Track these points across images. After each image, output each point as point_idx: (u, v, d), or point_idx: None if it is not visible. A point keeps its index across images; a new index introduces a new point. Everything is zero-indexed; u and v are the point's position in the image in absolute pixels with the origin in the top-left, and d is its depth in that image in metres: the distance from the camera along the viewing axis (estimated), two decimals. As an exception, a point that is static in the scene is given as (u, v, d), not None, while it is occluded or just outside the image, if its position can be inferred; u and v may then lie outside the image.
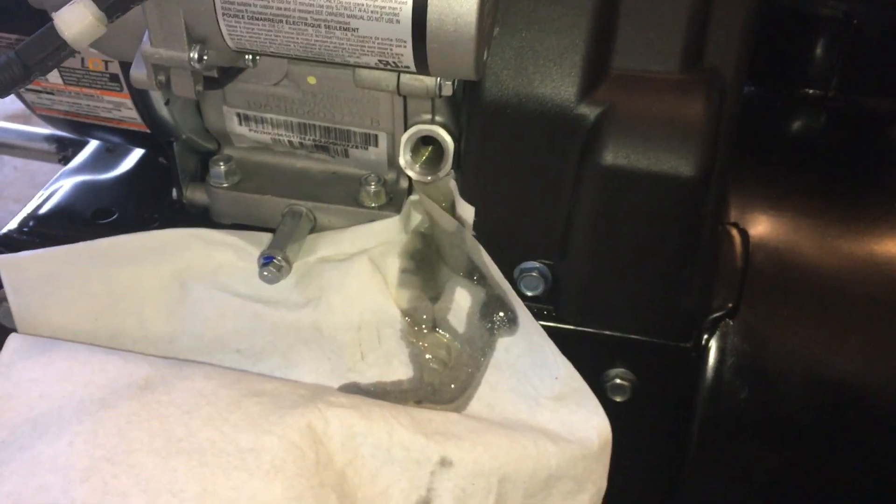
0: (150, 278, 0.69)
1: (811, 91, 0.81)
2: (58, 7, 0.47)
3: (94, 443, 0.57)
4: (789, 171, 0.76)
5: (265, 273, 0.66)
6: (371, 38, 0.52)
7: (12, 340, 0.64)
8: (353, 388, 0.68)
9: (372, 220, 0.71)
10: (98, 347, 0.64)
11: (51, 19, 0.57)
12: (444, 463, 0.61)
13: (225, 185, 0.73)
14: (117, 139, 0.78)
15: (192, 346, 0.69)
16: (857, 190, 0.74)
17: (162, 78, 0.56)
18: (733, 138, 0.63)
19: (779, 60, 0.82)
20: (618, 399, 0.69)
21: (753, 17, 0.62)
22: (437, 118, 0.68)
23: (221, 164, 0.72)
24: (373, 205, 0.72)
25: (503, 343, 0.68)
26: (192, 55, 0.54)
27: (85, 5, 0.44)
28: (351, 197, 0.72)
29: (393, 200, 0.72)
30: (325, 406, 0.61)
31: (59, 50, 0.44)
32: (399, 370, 0.69)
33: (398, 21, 0.51)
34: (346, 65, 0.56)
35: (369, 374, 0.68)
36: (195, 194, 0.75)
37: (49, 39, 0.44)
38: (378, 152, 0.71)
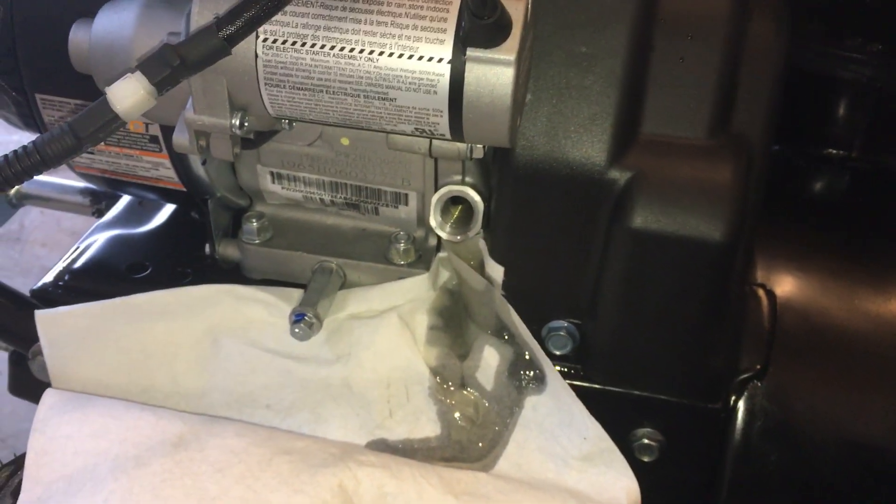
0: (182, 334, 0.70)
1: (835, 151, 0.82)
2: (106, 79, 0.49)
3: (129, 501, 0.57)
4: (815, 232, 0.76)
5: (297, 330, 0.67)
6: (408, 107, 0.54)
7: (48, 396, 0.65)
8: (381, 445, 0.68)
9: (401, 278, 0.72)
10: (132, 403, 0.65)
11: (95, 82, 0.59)
12: (474, 524, 0.61)
13: (257, 241, 0.74)
14: (152, 196, 0.79)
15: (222, 400, 0.70)
16: (883, 251, 0.74)
17: (203, 143, 0.57)
18: (760, 202, 0.64)
19: (802, 121, 0.83)
20: (645, 459, 0.69)
21: (780, 83, 0.64)
22: (468, 179, 0.69)
23: (254, 220, 0.73)
24: (402, 262, 0.73)
25: (531, 402, 0.68)
26: (233, 122, 0.56)
27: (137, 80, 0.46)
28: (380, 254, 0.73)
29: (422, 258, 0.73)
30: (355, 465, 0.61)
31: (110, 123, 0.46)
32: (427, 427, 0.69)
33: (435, 92, 0.53)
34: (382, 131, 0.57)
35: (398, 431, 0.69)
36: (227, 250, 0.76)
37: (101, 113, 0.46)
38: (408, 210, 0.72)
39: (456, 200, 0.69)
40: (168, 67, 0.46)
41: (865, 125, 0.80)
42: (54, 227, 1.65)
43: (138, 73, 0.46)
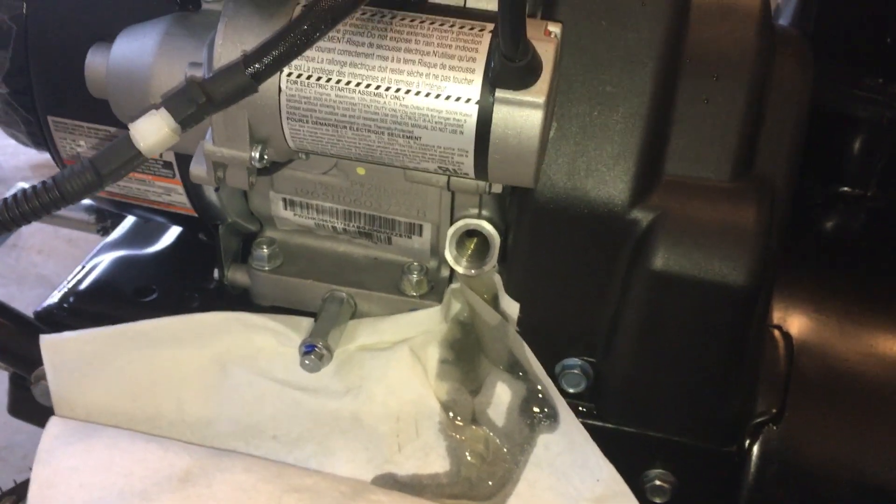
0: (189, 361, 0.69)
1: (850, 190, 0.82)
2: (122, 105, 0.48)
3: (135, 539, 0.56)
4: (831, 272, 0.76)
5: (306, 362, 0.66)
6: (433, 146, 0.53)
7: (52, 426, 0.63)
8: (389, 480, 0.67)
9: (413, 309, 0.71)
10: (139, 434, 0.64)
11: (110, 107, 0.58)
12: (485, 566, 0.60)
13: (267, 268, 0.73)
14: (160, 219, 0.78)
15: (229, 430, 0.69)
16: (899, 292, 0.74)
17: (220, 174, 0.56)
18: (782, 245, 0.63)
19: (817, 159, 0.82)
20: (657, 501, 0.68)
21: (803, 125, 0.63)
22: (484, 212, 0.68)
23: (264, 247, 0.72)
24: (414, 293, 0.72)
25: (543, 440, 0.67)
26: (253, 154, 0.55)
27: (161, 117, 0.45)
28: (392, 284, 0.72)
29: (434, 289, 0.72)
30: (366, 504, 0.60)
31: (132, 160, 0.45)
32: (436, 463, 0.68)
33: (462, 132, 0.52)
34: (405, 168, 0.56)
35: (406, 466, 0.68)
36: (236, 276, 0.75)
37: (124, 150, 0.45)
38: (422, 241, 0.71)
39: (471, 233, 0.68)
40: (194, 105, 0.45)
41: (882, 164, 0.80)
42: (51, 235, 1.63)
43: (163, 111, 0.45)
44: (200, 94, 0.45)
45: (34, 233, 1.74)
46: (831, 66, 0.76)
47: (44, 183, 0.45)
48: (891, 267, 0.78)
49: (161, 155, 0.67)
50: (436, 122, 0.52)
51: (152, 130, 0.44)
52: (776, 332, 0.70)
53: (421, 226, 0.70)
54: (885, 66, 0.78)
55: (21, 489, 0.65)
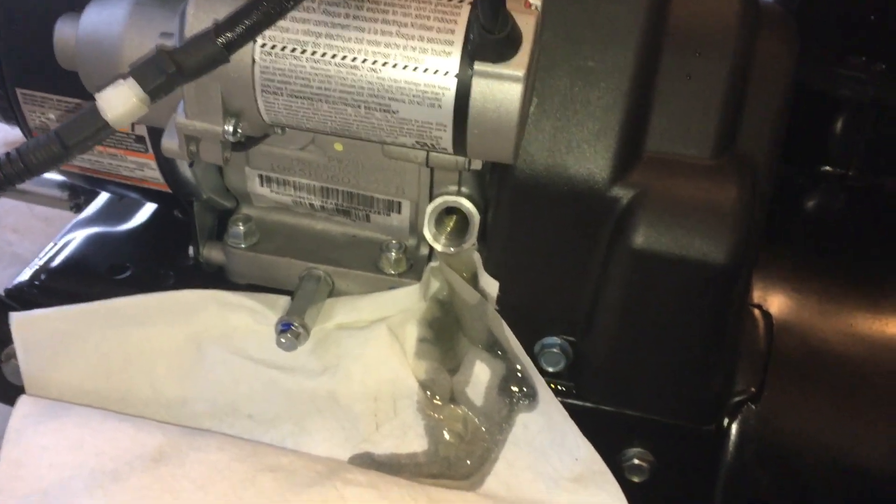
0: (163, 339, 0.68)
1: (831, 169, 0.81)
2: (92, 76, 0.46)
3: (106, 518, 0.55)
4: (811, 252, 0.75)
5: (282, 340, 0.65)
6: (411, 120, 0.52)
7: (22, 404, 0.62)
8: (366, 459, 0.67)
9: (391, 287, 0.70)
10: (111, 413, 0.63)
11: (80, 79, 0.57)
12: (462, 546, 0.60)
13: (243, 245, 0.71)
14: (134, 195, 0.76)
15: (204, 409, 0.68)
16: (880, 271, 0.74)
17: (193, 148, 0.55)
18: (763, 224, 0.63)
19: (799, 138, 0.82)
20: (635, 479, 0.68)
21: (786, 103, 0.62)
22: (463, 189, 0.67)
23: (240, 224, 0.71)
24: (392, 272, 0.71)
25: (522, 419, 0.66)
26: (226, 128, 0.53)
27: (129, 87, 0.43)
28: (371, 262, 0.71)
29: (413, 267, 0.71)
30: (342, 484, 0.60)
31: (100, 131, 0.43)
32: (414, 443, 0.67)
33: (440, 106, 0.51)
34: (382, 143, 0.55)
35: (384, 446, 0.67)
36: (212, 253, 0.73)
37: (91, 121, 0.43)
38: (400, 219, 0.70)
39: (451, 210, 0.67)
40: (163, 75, 0.44)
41: (864, 144, 0.79)
42: (27, 214, 1.60)
43: (131, 80, 0.43)
44: (170, 63, 0.44)
45: (9, 211, 1.71)
46: (815, 44, 0.76)
47: (7, 155, 0.43)
48: (872, 247, 0.78)
49: (133, 129, 0.65)
50: (413, 96, 0.50)
51: (120, 101, 0.43)
52: (756, 311, 0.70)
53: (400, 203, 0.69)
54: (868, 45, 0.78)
55: (-9, 469, 0.63)
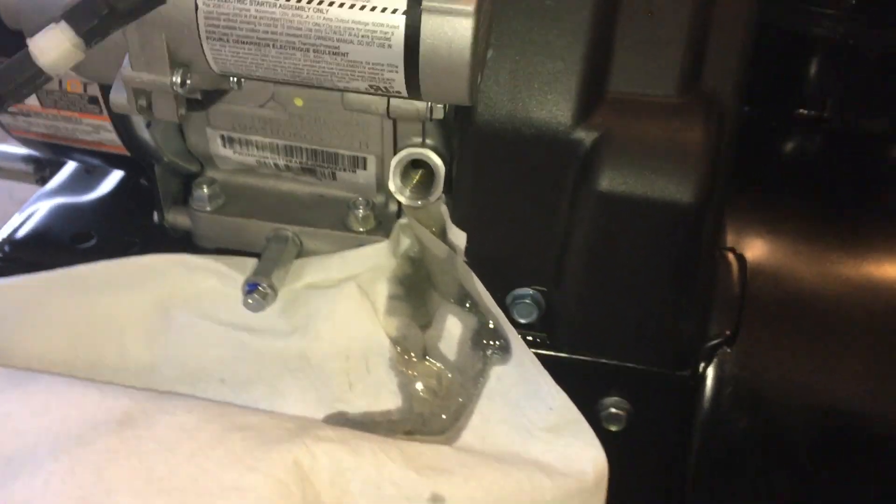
0: (130, 306, 0.67)
1: (806, 112, 0.80)
2: (34, 31, 0.45)
3: (71, 483, 0.54)
4: (786, 194, 0.74)
5: (250, 301, 0.64)
6: (361, 62, 0.50)
7: (-14, 373, 0.61)
8: (340, 419, 0.66)
9: (360, 245, 0.69)
10: (76, 379, 0.62)
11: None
12: (436, 499, 0.59)
13: (208, 208, 0.70)
14: (97, 161, 0.75)
15: (174, 375, 0.67)
16: (855, 213, 0.73)
17: (143, 102, 0.54)
18: (731, 163, 0.62)
19: (773, 81, 0.80)
20: (613, 428, 0.67)
21: (751, 39, 0.61)
22: (428, 141, 0.66)
23: (205, 187, 0.70)
24: (361, 229, 0.70)
25: (496, 372, 0.66)
26: (174, 79, 0.52)
27: (62, 30, 0.42)
28: (339, 221, 0.70)
29: (382, 224, 0.70)
30: (312, 441, 0.59)
31: (33, 77, 0.42)
32: (388, 400, 0.66)
33: (390, 46, 0.49)
34: (335, 89, 0.54)
35: (357, 404, 0.66)
36: (177, 218, 0.72)
37: (24, 66, 0.42)
38: (366, 175, 0.69)
39: (416, 164, 0.66)
40: (95, 17, 0.42)
41: (838, 84, 0.78)
42: (6, 198, 1.58)
43: (63, 24, 0.42)
44: (103, 5, 0.42)
45: (-12, 197, 1.70)
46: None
47: (-61, 104, 0.42)
48: (847, 189, 0.77)
49: (86, 89, 0.64)
50: (362, 36, 0.49)
51: (52, 45, 0.42)
52: (730, 255, 0.69)
53: (365, 158, 0.68)
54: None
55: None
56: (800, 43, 0.80)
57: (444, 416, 0.66)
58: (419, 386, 0.67)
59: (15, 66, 0.42)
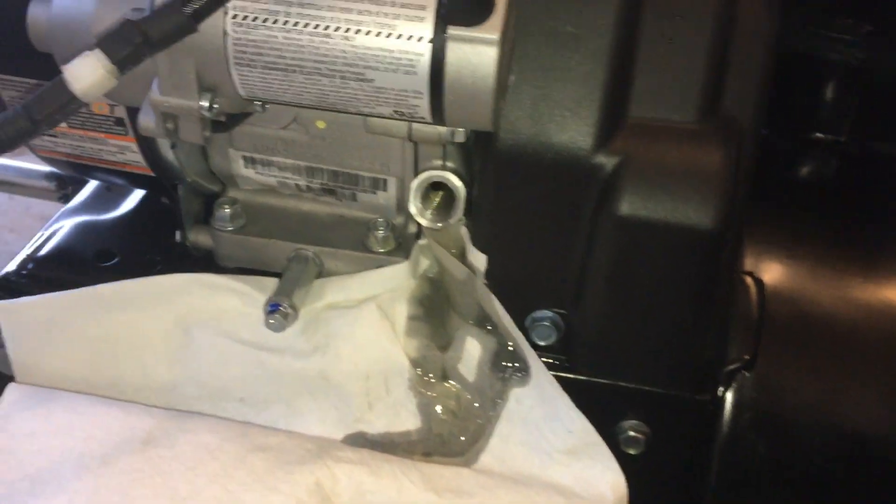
0: (151, 324, 0.68)
1: (823, 135, 0.80)
2: (67, 58, 0.46)
3: (95, 502, 0.55)
4: (803, 218, 0.75)
5: (271, 321, 0.64)
6: (387, 89, 0.51)
7: (10, 391, 0.62)
8: (359, 439, 0.66)
9: (380, 266, 0.70)
10: (99, 398, 0.62)
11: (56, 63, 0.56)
12: (456, 521, 0.59)
13: (230, 228, 0.71)
14: (120, 181, 0.76)
15: (194, 393, 0.68)
16: (873, 237, 0.73)
17: (170, 125, 0.55)
18: (750, 187, 0.62)
19: (789, 104, 0.81)
20: (631, 452, 0.67)
21: (770, 64, 0.62)
22: (449, 164, 0.66)
23: (226, 207, 0.71)
24: (381, 250, 0.70)
25: (515, 394, 0.66)
26: (202, 103, 0.53)
27: (96, 58, 0.43)
28: (358, 241, 0.71)
29: (401, 245, 0.71)
30: (332, 462, 0.59)
31: (67, 104, 0.43)
32: (407, 421, 0.67)
33: (415, 73, 0.50)
34: (359, 114, 0.54)
35: (377, 425, 0.67)
36: (199, 237, 0.73)
37: (58, 93, 0.43)
38: (387, 196, 0.70)
39: (437, 186, 0.67)
40: (129, 45, 0.43)
41: (855, 109, 0.78)
42: (23, 213, 1.60)
43: (97, 51, 0.43)
44: (136, 33, 0.43)
45: (5, 211, 1.72)
46: (801, 5, 0.75)
47: (-26, 131, 0.43)
48: (864, 213, 0.77)
49: (112, 111, 0.65)
50: (388, 63, 0.50)
51: (87, 72, 0.43)
52: (748, 279, 0.69)
53: (385, 180, 0.69)
54: (856, 6, 0.77)
55: (-18, 458, 0.63)
56: (816, 67, 0.80)
57: (462, 438, 0.66)
58: (438, 407, 0.67)
59: (49, 93, 0.43)
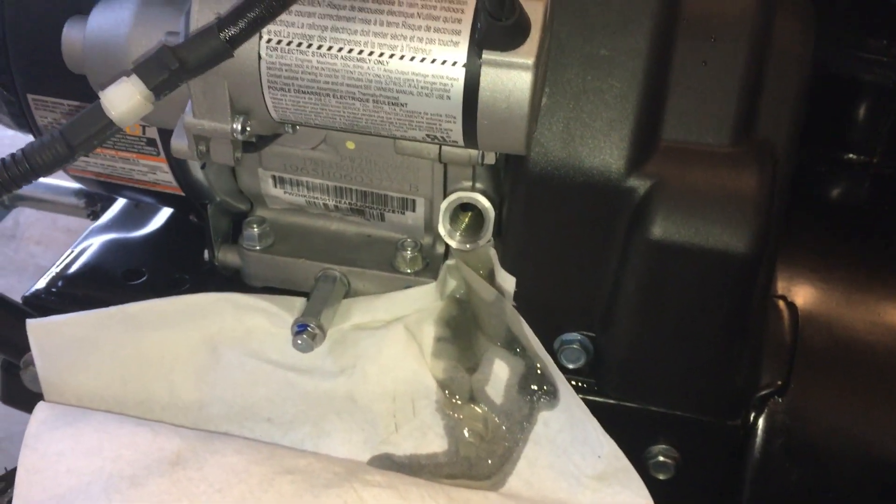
0: (180, 343, 0.68)
1: (856, 157, 0.80)
2: (100, 79, 0.46)
3: (124, 524, 0.55)
4: (836, 240, 0.74)
5: (299, 341, 0.64)
6: (420, 113, 0.51)
7: (39, 410, 0.62)
8: (386, 461, 0.66)
9: (407, 287, 0.69)
10: (128, 418, 0.62)
11: (89, 83, 0.56)
12: (484, 547, 0.59)
13: (258, 247, 0.71)
14: (149, 199, 0.76)
15: (222, 413, 0.67)
16: (907, 261, 0.72)
17: (203, 148, 0.55)
18: (784, 211, 0.61)
19: (823, 125, 0.80)
20: (661, 477, 0.66)
21: (805, 87, 0.61)
22: (478, 185, 0.66)
23: (255, 226, 0.71)
24: (409, 270, 0.70)
25: (543, 417, 0.65)
26: (234, 126, 0.53)
27: (133, 84, 0.43)
28: (386, 262, 0.70)
29: (429, 266, 0.71)
30: (360, 486, 0.59)
31: (104, 129, 0.43)
32: (434, 443, 0.66)
33: (449, 97, 0.50)
34: (392, 137, 0.54)
35: (404, 447, 0.66)
36: (227, 256, 0.73)
37: (95, 119, 0.43)
38: (415, 217, 0.69)
39: (465, 207, 0.67)
40: (166, 71, 0.43)
41: (888, 129, 0.77)
42: (50, 225, 1.61)
43: (134, 77, 0.43)
44: (173, 59, 0.43)
45: (33, 223, 1.73)
46: (834, 26, 0.74)
47: (13, 156, 0.43)
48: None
49: (144, 132, 0.65)
50: (422, 88, 0.50)
51: (123, 98, 0.43)
52: (780, 303, 0.68)
53: (414, 201, 0.68)
54: (890, 27, 0.76)
55: (11, 476, 0.63)
56: (848, 87, 0.79)
57: (489, 461, 0.66)
58: (465, 430, 0.67)
59: (86, 118, 0.43)
